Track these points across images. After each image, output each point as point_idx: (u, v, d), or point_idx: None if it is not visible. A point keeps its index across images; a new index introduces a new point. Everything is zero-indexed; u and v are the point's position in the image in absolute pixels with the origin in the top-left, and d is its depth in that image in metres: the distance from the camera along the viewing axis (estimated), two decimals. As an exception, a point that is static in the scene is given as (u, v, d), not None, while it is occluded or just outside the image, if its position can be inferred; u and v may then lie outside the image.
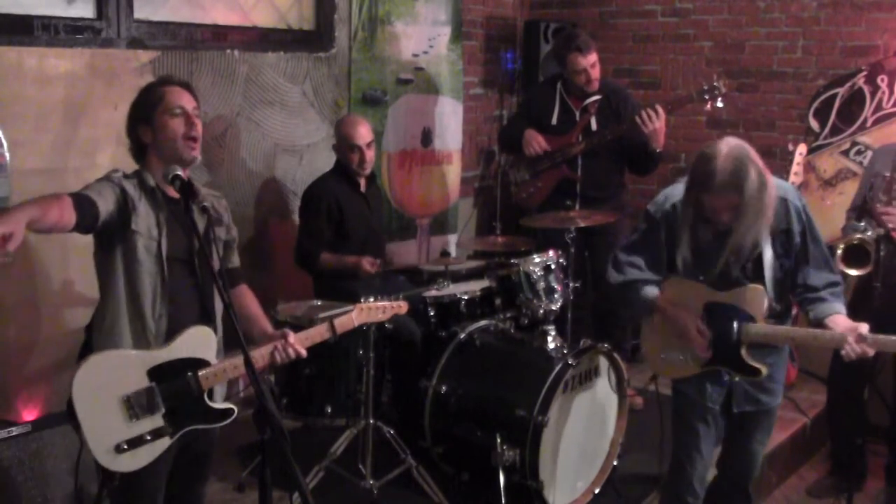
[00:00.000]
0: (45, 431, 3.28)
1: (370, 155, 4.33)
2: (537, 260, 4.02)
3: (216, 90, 4.45)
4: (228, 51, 4.49)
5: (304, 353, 2.87)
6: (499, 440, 3.53)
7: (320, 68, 4.95)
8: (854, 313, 3.07)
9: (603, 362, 3.80)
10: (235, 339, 2.70)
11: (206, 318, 2.80)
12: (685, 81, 5.62)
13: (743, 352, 3.04)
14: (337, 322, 3.05)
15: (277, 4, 4.78)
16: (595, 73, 4.70)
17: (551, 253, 4.10)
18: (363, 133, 4.30)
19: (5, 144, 3.52)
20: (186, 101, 2.78)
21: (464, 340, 3.88)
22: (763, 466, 4.30)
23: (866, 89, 5.08)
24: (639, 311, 3.17)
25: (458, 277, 4.45)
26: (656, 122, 4.45)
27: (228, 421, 2.79)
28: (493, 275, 4.18)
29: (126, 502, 2.75)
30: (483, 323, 3.99)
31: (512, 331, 4.03)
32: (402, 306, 3.34)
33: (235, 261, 3.01)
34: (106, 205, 2.60)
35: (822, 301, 3.04)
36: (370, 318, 3.24)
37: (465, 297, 4.09)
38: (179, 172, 2.62)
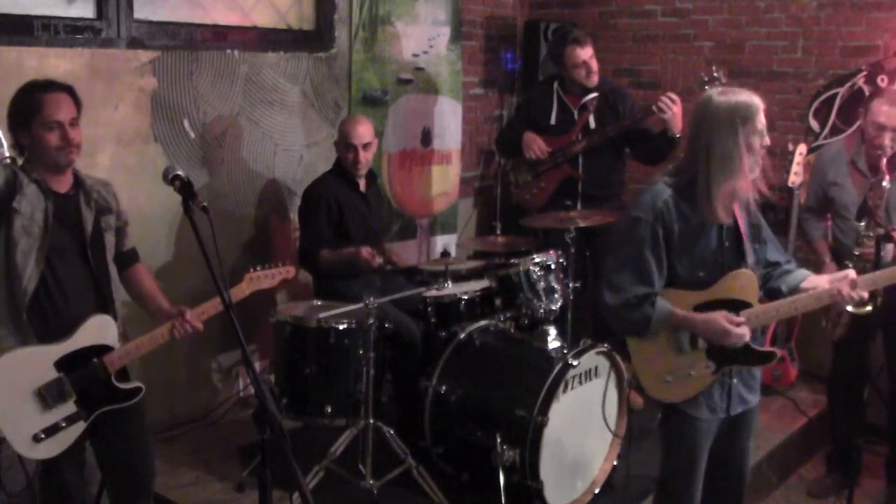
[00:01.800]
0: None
1: (365, 156, 4.25)
2: (537, 260, 4.02)
3: (216, 90, 4.45)
4: (228, 51, 4.49)
5: (200, 327, 3.02)
6: (499, 440, 3.53)
7: (320, 68, 4.95)
8: (856, 315, 3.05)
9: (603, 362, 3.80)
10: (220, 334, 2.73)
11: (103, 306, 2.94)
12: (685, 81, 5.61)
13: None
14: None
15: (277, 4, 4.78)
16: (594, 66, 4.70)
17: (551, 253, 4.10)
18: (361, 133, 4.24)
19: (5, 144, 3.51)
20: (64, 112, 2.83)
21: (464, 340, 3.88)
22: (763, 466, 4.30)
23: (866, 89, 5.08)
24: (648, 331, 2.85)
25: (458, 277, 4.44)
26: (674, 107, 4.49)
27: (138, 398, 2.97)
28: (493, 275, 4.17)
29: (51, 488, 2.97)
30: (483, 323, 3.99)
31: (512, 331, 4.02)
32: (290, 270, 3.41)
33: (128, 243, 3.13)
34: None
35: (788, 272, 3.00)
36: (261, 285, 3.31)
37: (465, 297, 4.09)
38: (179, 172, 2.62)
